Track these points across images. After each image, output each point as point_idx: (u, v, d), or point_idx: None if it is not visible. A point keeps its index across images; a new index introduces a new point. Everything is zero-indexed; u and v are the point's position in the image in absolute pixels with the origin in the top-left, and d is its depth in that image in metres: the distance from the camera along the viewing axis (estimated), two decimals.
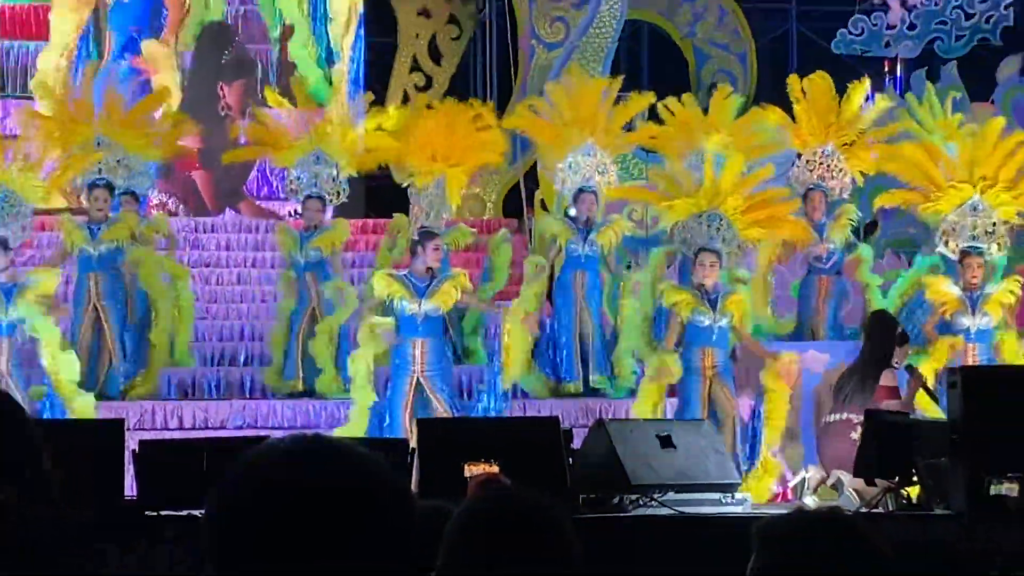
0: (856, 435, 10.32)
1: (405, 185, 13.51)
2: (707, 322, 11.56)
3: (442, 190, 13.01)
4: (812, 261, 13.33)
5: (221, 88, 18.88)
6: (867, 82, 14.11)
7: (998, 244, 12.41)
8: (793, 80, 13.68)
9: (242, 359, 14.04)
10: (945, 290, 12.23)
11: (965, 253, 12.26)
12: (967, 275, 12.18)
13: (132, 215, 13.15)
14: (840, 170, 13.40)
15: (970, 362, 11.91)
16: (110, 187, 12.93)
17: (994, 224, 12.38)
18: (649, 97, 13.82)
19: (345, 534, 1.76)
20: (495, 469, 8.79)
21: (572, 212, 13.64)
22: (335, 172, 13.37)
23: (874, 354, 11.14)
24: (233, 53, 18.97)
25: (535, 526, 2.45)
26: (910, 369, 11.52)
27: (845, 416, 10.83)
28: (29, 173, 12.37)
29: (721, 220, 11.88)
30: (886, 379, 11.02)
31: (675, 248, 12.48)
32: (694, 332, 11.63)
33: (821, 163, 13.42)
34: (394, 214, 13.53)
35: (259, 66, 18.98)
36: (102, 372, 12.69)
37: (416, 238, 12.16)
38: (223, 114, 18.33)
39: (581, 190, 13.30)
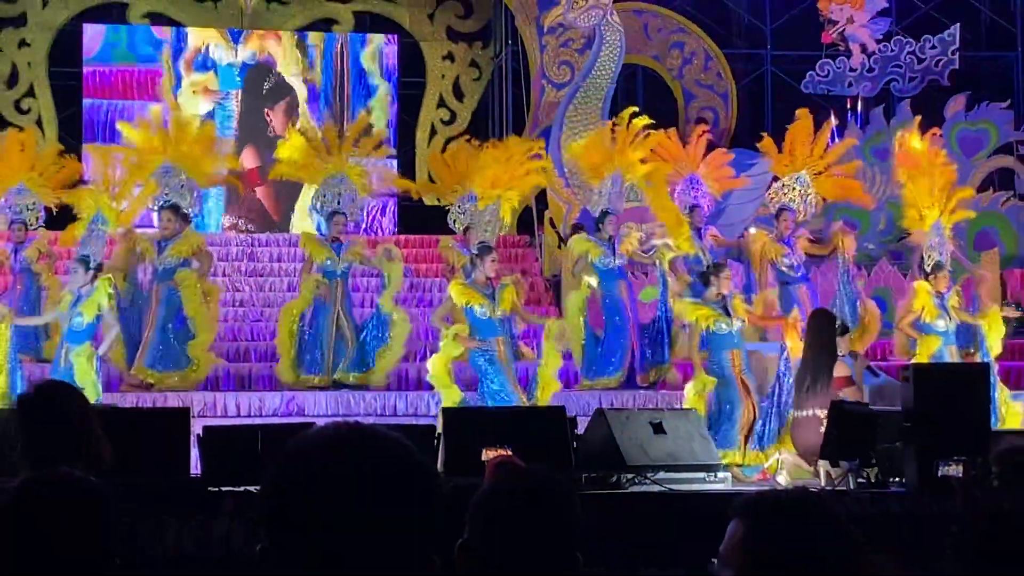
0: (823, 428, 10.26)
1: (447, 208, 13.49)
2: (726, 328, 11.25)
3: (496, 210, 12.92)
4: (785, 270, 13.34)
5: (267, 114, 19.12)
6: (834, 121, 14.32)
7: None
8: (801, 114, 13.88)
9: None
10: (930, 297, 12.32)
11: (937, 266, 12.43)
12: (939, 285, 12.39)
13: (194, 235, 13.12)
14: (808, 195, 13.52)
15: (954, 360, 12.14)
16: (175, 208, 12.88)
17: (945, 244, 12.65)
18: (653, 139, 13.76)
19: (380, 508, 1.77)
20: (509, 452, 8.78)
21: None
22: (354, 194, 13.33)
23: (821, 350, 11.01)
24: (272, 81, 19.22)
25: (546, 498, 2.50)
26: (853, 355, 11.55)
27: (811, 412, 10.69)
28: (115, 200, 12.43)
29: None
30: (839, 370, 10.95)
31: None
32: (718, 339, 11.22)
33: (794, 187, 13.55)
34: (440, 237, 13.36)
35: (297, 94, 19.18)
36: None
37: (476, 252, 12.04)
38: (272, 136, 18.46)
39: (608, 212, 13.31)
